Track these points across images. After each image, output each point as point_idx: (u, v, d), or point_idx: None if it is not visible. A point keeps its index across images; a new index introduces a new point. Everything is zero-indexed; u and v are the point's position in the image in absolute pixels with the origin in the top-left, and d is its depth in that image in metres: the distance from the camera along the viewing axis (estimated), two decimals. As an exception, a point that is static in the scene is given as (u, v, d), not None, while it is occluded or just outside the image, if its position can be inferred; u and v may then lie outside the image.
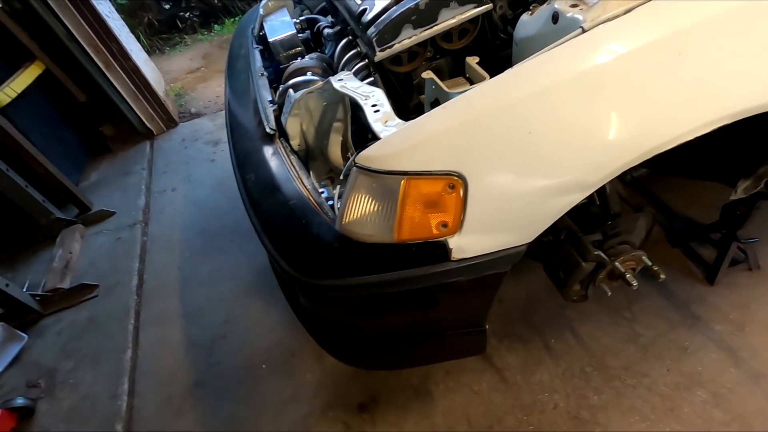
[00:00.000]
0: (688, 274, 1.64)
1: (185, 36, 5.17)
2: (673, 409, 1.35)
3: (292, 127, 1.21)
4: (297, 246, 0.93)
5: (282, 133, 1.22)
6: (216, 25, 5.07)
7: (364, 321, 1.02)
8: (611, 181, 0.92)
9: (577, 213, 1.04)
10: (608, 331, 1.56)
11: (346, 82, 1.03)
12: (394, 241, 0.82)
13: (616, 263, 1.14)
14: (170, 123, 3.25)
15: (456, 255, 0.83)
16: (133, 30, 4.09)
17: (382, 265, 0.85)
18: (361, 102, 0.94)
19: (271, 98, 1.37)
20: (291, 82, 1.33)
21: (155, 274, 2.20)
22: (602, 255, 1.10)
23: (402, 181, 0.77)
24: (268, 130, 1.20)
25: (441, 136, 0.75)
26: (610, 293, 1.21)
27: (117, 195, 2.71)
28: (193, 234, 2.34)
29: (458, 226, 0.80)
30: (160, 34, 5.21)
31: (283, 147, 1.18)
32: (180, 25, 5.26)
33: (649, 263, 1.16)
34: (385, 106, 0.91)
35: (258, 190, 1.09)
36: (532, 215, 0.79)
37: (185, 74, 4.28)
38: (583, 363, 1.50)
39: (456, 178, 0.77)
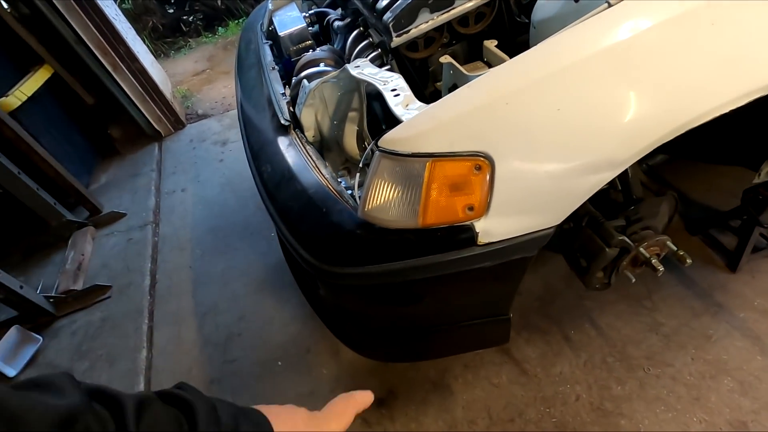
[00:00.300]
0: (709, 261, 1.61)
1: (189, 39, 5.19)
2: (699, 398, 1.33)
3: (307, 117, 1.19)
4: (317, 234, 0.92)
5: (296, 124, 1.21)
6: (220, 28, 5.09)
7: (386, 310, 1.00)
8: (632, 165, 0.90)
9: (598, 199, 1.02)
10: (629, 320, 1.53)
11: (363, 69, 1.01)
12: (418, 227, 0.81)
13: (641, 248, 1.11)
14: (178, 124, 3.26)
15: (482, 239, 0.81)
16: (138, 34, 4.13)
17: (406, 252, 0.83)
18: (381, 87, 0.93)
19: (283, 91, 1.35)
20: (304, 73, 1.32)
21: (167, 273, 2.19)
22: (626, 240, 1.08)
23: (427, 164, 0.76)
24: (282, 121, 1.19)
25: (467, 115, 0.73)
26: (634, 280, 1.18)
27: (127, 196, 2.71)
28: (203, 233, 2.34)
29: (485, 208, 0.79)
30: (164, 38, 5.24)
31: (299, 138, 1.17)
32: (184, 29, 5.29)
33: (674, 248, 1.14)
34: (406, 89, 0.89)
35: (274, 180, 1.07)
36: (561, 195, 0.77)
37: (191, 77, 4.30)
38: (604, 353, 1.48)
39: (483, 159, 0.75)
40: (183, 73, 4.40)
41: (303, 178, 1.02)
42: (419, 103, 0.85)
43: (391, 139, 0.79)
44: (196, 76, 4.26)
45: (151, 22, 5.13)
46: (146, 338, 1.89)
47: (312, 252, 0.91)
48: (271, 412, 0.44)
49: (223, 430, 0.37)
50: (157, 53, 4.98)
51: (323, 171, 1.02)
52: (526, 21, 1.24)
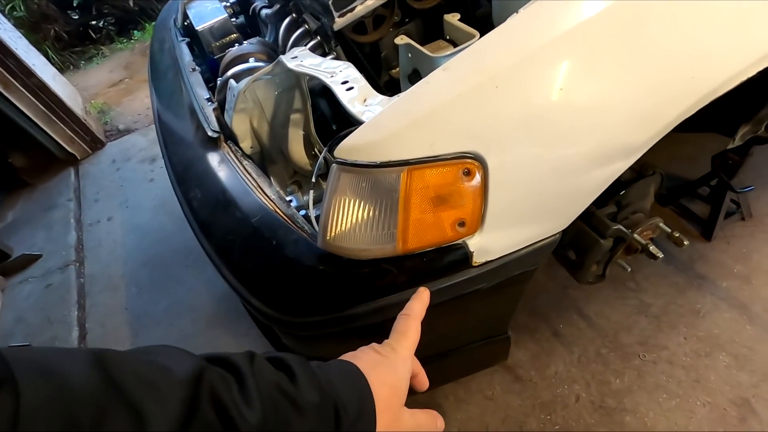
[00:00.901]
0: (684, 232, 1.57)
1: (102, 47, 4.65)
2: (699, 380, 1.27)
3: (240, 125, 0.98)
4: (269, 276, 0.72)
5: (228, 135, 0.99)
6: (135, 32, 4.59)
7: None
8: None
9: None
10: (616, 306, 1.46)
11: (302, 60, 0.81)
12: (398, 253, 0.63)
13: (635, 235, 1.01)
14: (95, 144, 2.86)
15: (478, 258, 0.65)
16: (38, 46, 3.60)
17: (386, 287, 0.65)
18: (327, 80, 0.74)
19: (208, 96, 1.12)
20: (231, 71, 1.09)
21: (99, 320, 1.88)
22: (622, 229, 0.97)
23: (402, 174, 0.58)
24: (210, 133, 0.97)
25: (448, 106, 0.56)
26: (629, 269, 1.08)
27: (41, 234, 2.33)
28: (138, 267, 2.03)
29: (479, 222, 0.63)
30: (71, 48, 4.65)
31: (233, 152, 0.95)
32: (94, 36, 4.74)
33: (668, 230, 1.05)
34: (360, 80, 0.71)
35: (207, 209, 0.86)
36: (569, 195, 0.63)
37: (107, 88, 3.83)
38: (597, 345, 1.39)
39: (472, 160, 0.58)
40: (97, 84, 3.92)
41: (242, 203, 0.81)
42: (380, 97, 0.67)
43: (351, 146, 0.60)
44: (113, 87, 3.81)
45: (52, 31, 4.52)
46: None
47: (264, 299, 0.71)
48: (350, 357, 0.47)
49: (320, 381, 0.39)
50: (65, 65, 4.43)
51: (267, 191, 0.82)
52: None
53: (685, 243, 1.03)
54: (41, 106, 2.49)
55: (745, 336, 1.32)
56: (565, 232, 1.06)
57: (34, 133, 2.53)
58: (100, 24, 4.78)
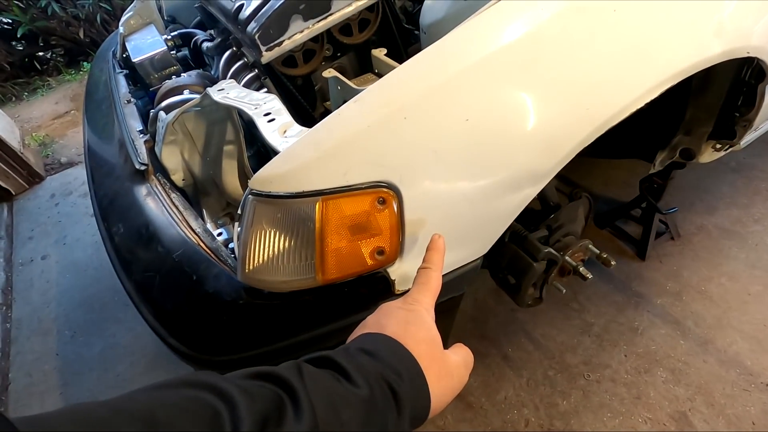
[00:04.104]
0: (621, 253, 1.65)
1: (48, 78, 4.48)
2: (640, 396, 1.30)
3: (170, 157, 0.95)
4: (189, 313, 0.68)
5: (158, 167, 0.97)
6: (85, 63, 4.47)
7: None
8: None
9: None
10: (562, 327, 1.49)
11: (228, 92, 0.81)
12: (318, 284, 0.62)
13: (567, 258, 1.04)
14: (33, 178, 2.71)
15: (400, 287, 0.65)
16: (-27, 76, 3.43)
17: (308, 320, 0.64)
18: (251, 112, 0.74)
19: (141, 128, 1.09)
20: (164, 103, 1.07)
21: (25, 368, 1.72)
22: (552, 251, 1.00)
23: (317, 204, 0.58)
24: (137, 165, 0.94)
25: (359, 137, 0.57)
26: (564, 291, 1.11)
27: (-35, 276, 2.14)
28: (73, 308, 1.89)
29: (398, 250, 0.63)
30: (14, 79, 4.46)
31: (161, 185, 0.92)
32: (39, 67, 4.57)
33: (597, 251, 1.09)
34: (282, 112, 0.71)
35: (129, 244, 0.82)
36: (484, 221, 0.65)
37: (51, 120, 3.67)
38: (544, 367, 1.41)
39: (386, 189, 0.59)
40: (40, 117, 3.76)
41: (165, 237, 0.78)
42: (299, 128, 0.68)
43: (265, 177, 0.60)
44: (57, 119, 3.65)
45: (-7, 62, 4.34)
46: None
47: (182, 338, 0.67)
48: (379, 326, 0.46)
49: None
50: (6, 97, 4.23)
51: (193, 224, 0.80)
52: (416, 31, 1.14)
53: (613, 263, 1.08)
54: (-29, 139, 2.35)
55: (680, 351, 1.37)
56: (502, 255, 1.09)
57: (-38, 168, 2.37)
58: (48, 55, 4.63)
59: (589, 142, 0.63)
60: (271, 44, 0.86)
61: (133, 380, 1.59)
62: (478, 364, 1.44)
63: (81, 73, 4.38)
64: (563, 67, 0.60)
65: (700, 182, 1.81)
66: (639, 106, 0.63)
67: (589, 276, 1.03)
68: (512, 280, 1.12)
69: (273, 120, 0.70)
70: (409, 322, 0.46)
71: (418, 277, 0.52)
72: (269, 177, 0.59)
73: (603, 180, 1.94)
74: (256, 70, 1.11)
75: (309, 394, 0.34)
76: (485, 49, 0.60)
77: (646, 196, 1.54)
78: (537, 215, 1.10)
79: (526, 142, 0.61)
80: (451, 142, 0.59)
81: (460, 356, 0.50)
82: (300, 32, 0.86)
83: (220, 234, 0.89)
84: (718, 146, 1.14)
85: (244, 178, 1.00)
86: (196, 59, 1.55)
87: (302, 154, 0.59)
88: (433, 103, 0.58)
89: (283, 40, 0.86)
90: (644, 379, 1.33)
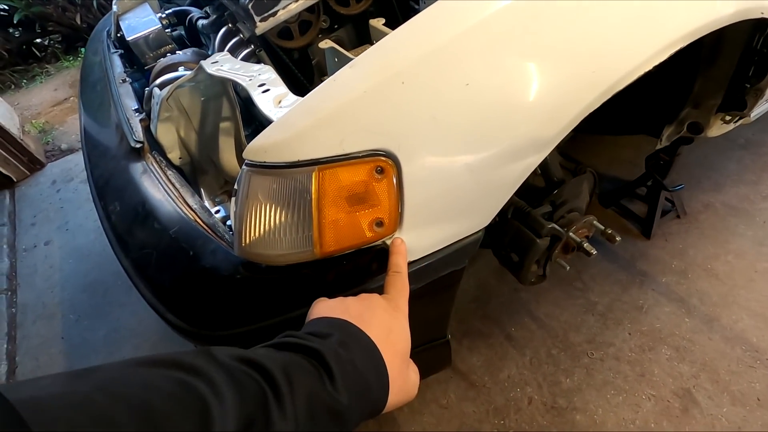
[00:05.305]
0: (626, 231, 1.63)
1: (47, 65, 4.45)
2: (644, 374, 1.29)
3: (166, 135, 0.94)
4: (186, 289, 0.68)
5: (154, 145, 0.95)
6: (83, 49, 4.42)
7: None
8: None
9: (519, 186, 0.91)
10: (565, 306, 1.48)
11: (222, 65, 0.79)
12: (316, 257, 0.61)
13: (571, 234, 1.03)
14: (34, 165, 2.70)
15: (400, 259, 0.63)
16: (-29, 63, 3.41)
17: (306, 293, 0.63)
18: (245, 84, 0.72)
19: (137, 107, 1.08)
20: (159, 80, 1.05)
21: (32, 352, 1.74)
22: (556, 227, 0.99)
23: (314, 174, 0.56)
24: (132, 143, 0.92)
25: (355, 103, 0.55)
26: (568, 268, 1.10)
27: (-30, 262, 2.15)
28: (77, 292, 1.90)
29: (397, 221, 0.61)
30: (13, 66, 4.43)
31: (157, 162, 0.91)
32: (38, 54, 4.53)
33: (602, 227, 1.07)
34: (277, 82, 0.69)
35: (125, 222, 0.81)
36: (486, 191, 0.63)
37: (50, 107, 3.65)
38: (548, 346, 1.40)
39: (384, 158, 0.57)
40: (40, 104, 3.74)
41: (161, 214, 0.77)
42: (294, 98, 0.66)
43: (260, 146, 0.58)
44: (57, 106, 3.63)
45: (-9, 49, 4.30)
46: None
47: (180, 314, 0.67)
48: (363, 321, 0.46)
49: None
50: (5, 84, 4.20)
51: (189, 200, 0.78)
52: (415, 5, 1.11)
53: (617, 239, 1.06)
54: (-30, 126, 2.33)
55: (684, 328, 1.36)
56: (505, 232, 1.07)
57: (-38, 155, 2.37)
58: (46, 42, 4.59)
59: (594, 108, 0.61)
60: (266, 14, 0.83)
61: (137, 362, 1.60)
62: (480, 343, 1.45)
63: (79, 59, 4.33)
64: (568, 28, 0.57)
65: (707, 159, 1.78)
66: (647, 69, 0.60)
67: (594, 252, 1.01)
68: (515, 257, 1.11)
69: (268, 90, 0.68)
70: (392, 330, 0.47)
71: (395, 282, 0.54)
72: (264, 146, 0.57)
73: (607, 159, 1.90)
74: (252, 46, 1.08)
75: (294, 400, 0.35)
76: (486, 9, 0.57)
77: (652, 174, 1.51)
78: (540, 192, 1.08)
79: (529, 107, 0.58)
80: (451, 107, 0.56)
81: (417, 376, 0.52)
82: (295, 1, 0.83)
83: (218, 211, 0.87)
84: (728, 118, 1.11)
85: (241, 155, 0.98)
86: (192, 38, 1.52)
87: (297, 122, 0.57)
88: (432, 67, 0.56)
89: (278, 10, 0.84)
90: (648, 357, 1.32)
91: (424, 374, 1.21)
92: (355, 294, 0.52)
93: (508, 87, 0.57)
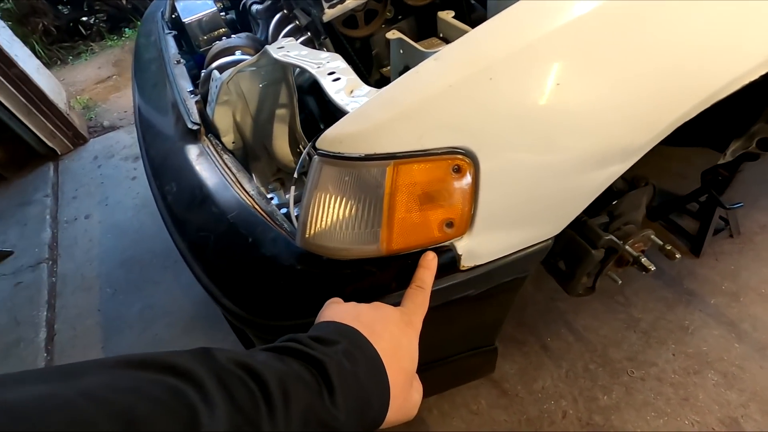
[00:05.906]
0: (673, 247, 1.55)
1: (92, 43, 4.57)
2: (688, 398, 1.24)
3: (222, 118, 0.93)
4: (244, 276, 0.67)
5: (209, 128, 0.95)
6: (127, 29, 4.53)
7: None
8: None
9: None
10: (605, 320, 1.43)
11: (289, 50, 0.78)
12: (382, 254, 0.59)
13: (627, 247, 0.98)
14: (78, 140, 2.78)
15: (466, 263, 0.61)
16: (25, 39, 3.52)
17: (368, 290, 0.61)
18: (313, 71, 0.70)
19: (192, 88, 1.08)
20: (216, 63, 1.05)
21: (70, 322, 1.79)
22: (614, 239, 0.94)
23: (388, 168, 0.54)
24: (189, 125, 0.92)
25: (438, 98, 0.53)
26: (620, 282, 1.05)
27: (14, 230, 2.23)
28: (114, 267, 1.95)
29: (468, 224, 0.59)
30: (60, 43, 4.57)
31: (213, 145, 0.91)
32: (84, 32, 4.66)
33: (660, 242, 1.02)
34: (348, 72, 0.67)
35: (182, 204, 0.81)
36: (564, 198, 0.60)
37: (94, 84, 3.76)
38: (585, 360, 1.36)
39: (462, 156, 0.55)
40: (84, 80, 3.84)
41: (220, 198, 0.76)
42: (368, 88, 0.64)
43: (334, 137, 0.56)
44: (100, 84, 3.73)
45: (41, 25, 4.44)
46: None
47: (236, 300, 0.66)
48: (373, 332, 0.45)
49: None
50: (52, 60, 4.34)
51: (246, 186, 0.78)
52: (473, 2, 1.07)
53: (677, 256, 1.01)
54: (21, 98, 2.41)
55: (734, 354, 1.29)
56: (556, 240, 1.03)
57: (12, 126, 2.45)
58: (91, 20, 4.71)
59: (689, 118, 0.57)
60: (335, 1, 0.81)
61: (171, 342, 1.63)
62: (514, 351, 1.41)
63: (123, 39, 4.44)
64: (670, 27, 0.53)
65: (767, 176, 1.69)
66: (754, 78, 0.56)
67: (652, 267, 0.96)
68: (563, 266, 1.07)
69: (338, 79, 0.66)
70: (401, 347, 0.46)
71: (415, 297, 0.52)
72: (339, 137, 0.55)
73: (657, 170, 1.82)
74: (309, 33, 1.06)
75: (288, 414, 0.34)
76: (580, 10, 0.54)
77: (708, 189, 1.43)
78: (599, 201, 1.03)
79: (620, 114, 0.55)
80: (539, 108, 0.53)
81: (419, 396, 0.49)
82: (364, -10, 0.81)
83: (271, 199, 0.87)
84: (806, 136, 1.03)
85: (294, 144, 0.97)
86: (243, 23, 1.52)
87: (375, 114, 0.55)
88: (522, 64, 0.53)
89: (347, -2, 0.82)
90: (693, 381, 1.26)
91: (466, 379, 1.19)
92: None
93: (600, 90, 0.54)
